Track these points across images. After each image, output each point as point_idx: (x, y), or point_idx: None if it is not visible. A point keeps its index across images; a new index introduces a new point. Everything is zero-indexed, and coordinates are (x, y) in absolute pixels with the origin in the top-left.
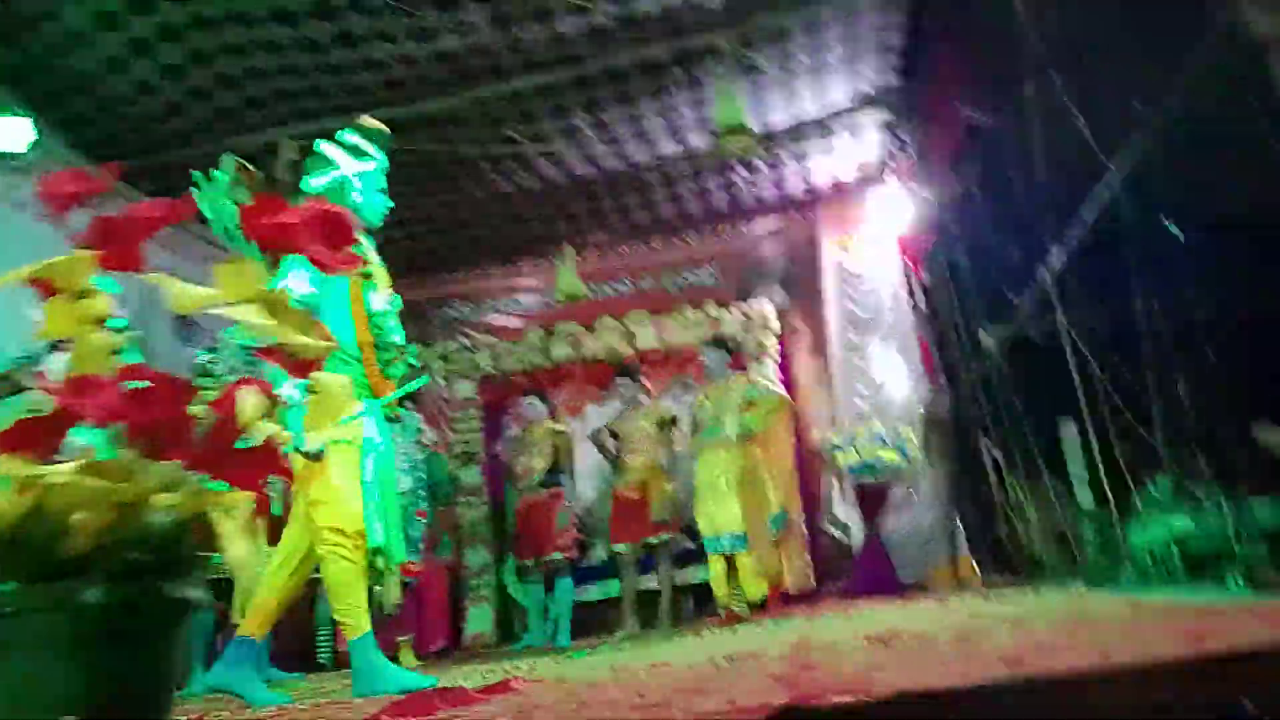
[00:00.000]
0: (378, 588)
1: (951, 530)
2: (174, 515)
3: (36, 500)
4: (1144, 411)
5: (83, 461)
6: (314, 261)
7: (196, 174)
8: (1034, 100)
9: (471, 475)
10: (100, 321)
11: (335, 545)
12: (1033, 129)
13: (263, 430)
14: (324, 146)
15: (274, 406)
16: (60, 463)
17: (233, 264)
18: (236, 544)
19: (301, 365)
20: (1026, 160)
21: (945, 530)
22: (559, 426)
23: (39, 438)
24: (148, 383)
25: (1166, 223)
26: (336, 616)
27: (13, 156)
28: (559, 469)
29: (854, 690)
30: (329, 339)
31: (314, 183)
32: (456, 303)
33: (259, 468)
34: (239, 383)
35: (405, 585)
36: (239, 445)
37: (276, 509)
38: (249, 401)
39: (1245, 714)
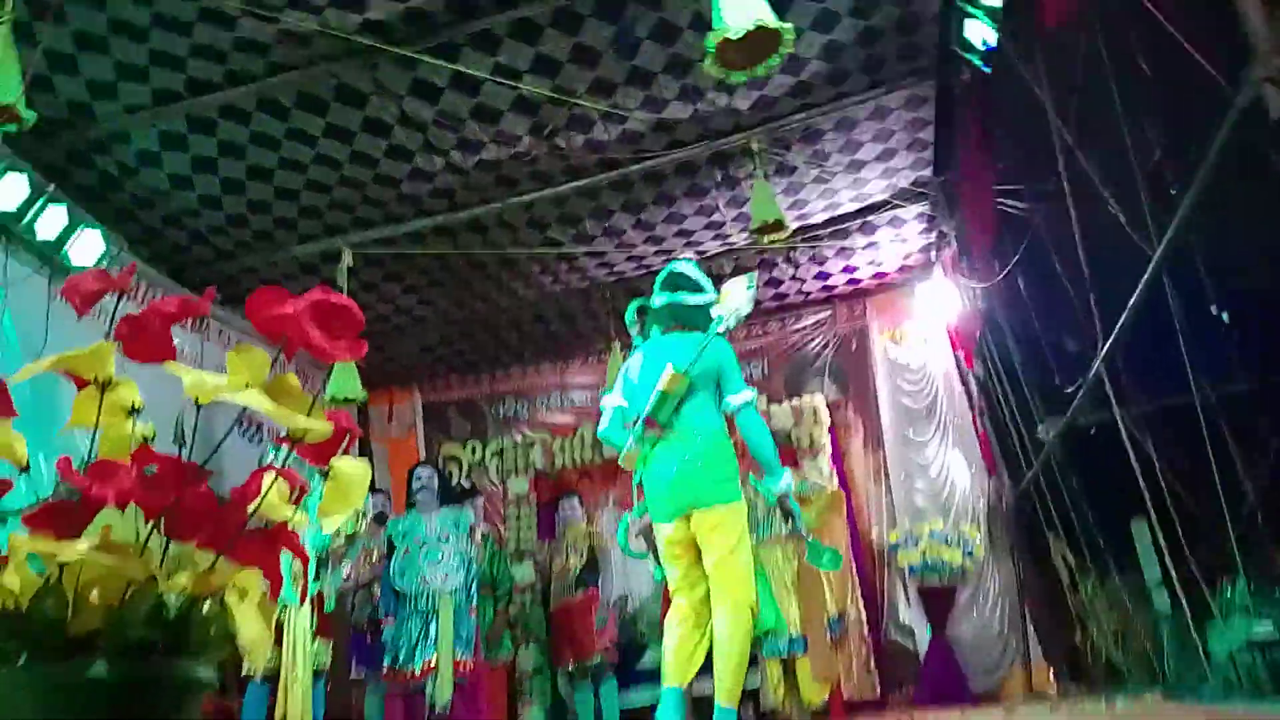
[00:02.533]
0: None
1: (1023, 635)
2: (186, 594)
3: (50, 576)
4: (1213, 507)
5: (97, 539)
6: (313, 351)
7: None
8: (1065, 186)
9: (525, 573)
10: (128, 411)
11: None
12: (1067, 215)
13: (284, 514)
14: None
15: (299, 493)
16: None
17: (242, 351)
18: (249, 625)
19: (320, 452)
20: (1065, 246)
21: (1017, 635)
22: (594, 528)
23: (66, 520)
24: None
25: (1211, 308)
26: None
27: (85, 269)
28: (595, 569)
29: None
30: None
31: None
32: (510, 399)
33: (272, 550)
34: (263, 469)
35: (457, 685)
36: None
37: (330, 605)
38: (273, 487)
39: None
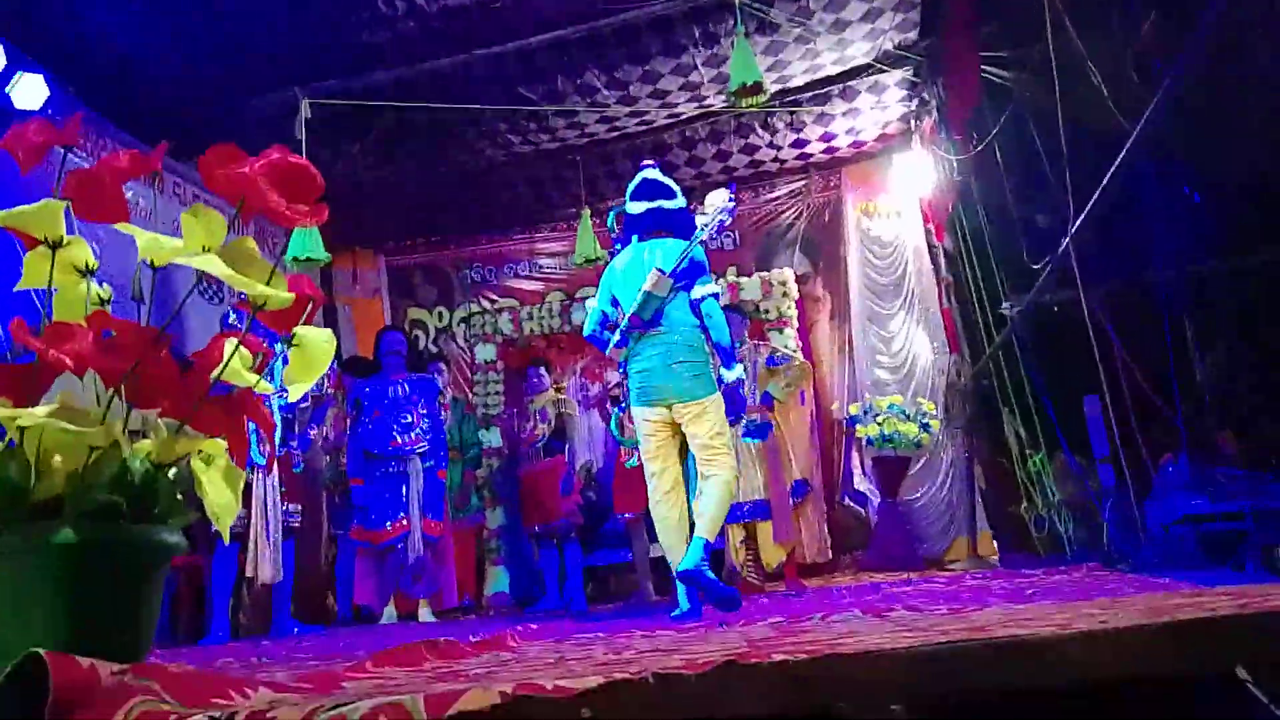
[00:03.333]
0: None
1: (971, 505)
2: (150, 460)
3: (11, 441)
4: (1166, 387)
5: (57, 405)
6: (271, 216)
7: None
8: (1051, 58)
9: (493, 437)
10: (81, 271)
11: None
12: (1051, 87)
13: (247, 381)
14: None
15: (261, 359)
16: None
17: (197, 214)
18: (215, 490)
19: (283, 319)
20: (1046, 121)
21: (965, 505)
22: (562, 395)
23: (21, 385)
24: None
25: (1185, 189)
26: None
27: (29, 114)
28: (562, 435)
29: (798, 650)
30: (300, 293)
31: None
32: (478, 265)
33: (236, 416)
34: (222, 335)
35: (427, 543)
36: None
37: (298, 467)
38: (235, 353)
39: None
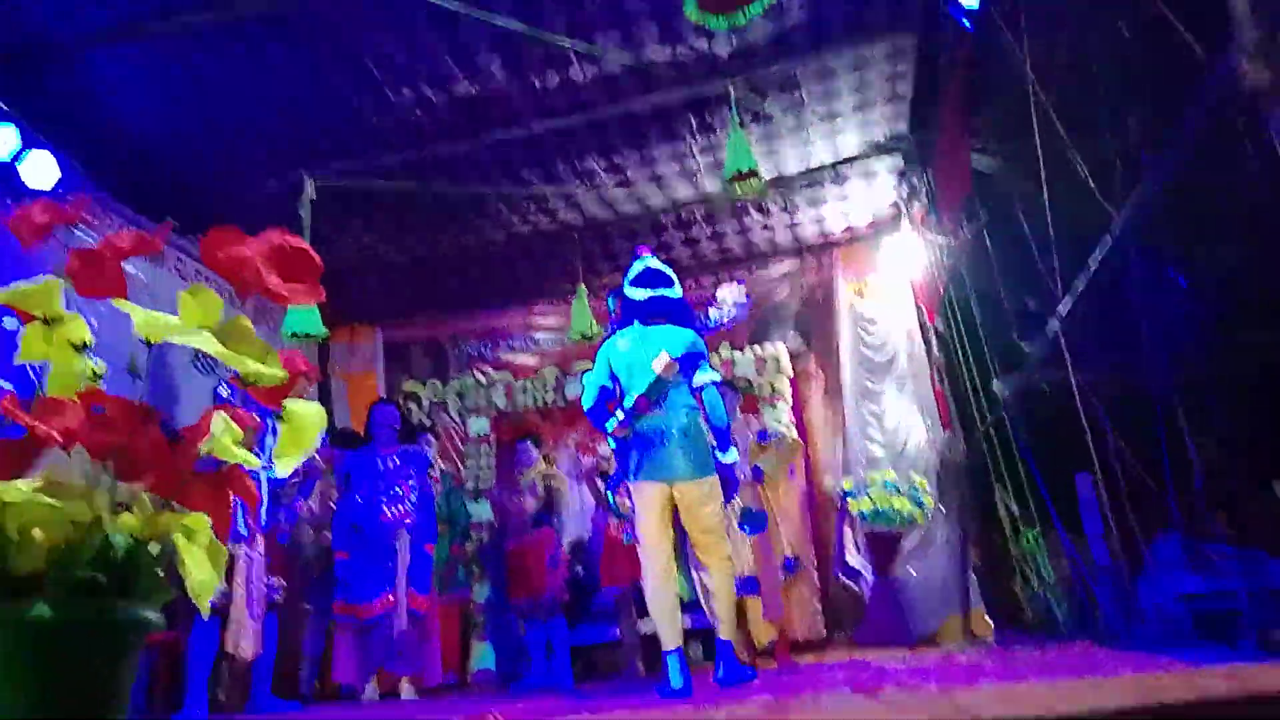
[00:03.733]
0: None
1: (965, 582)
2: (133, 536)
3: None
4: (1157, 467)
5: (41, 480)
6: (270, 296)
7: None
8: (1040, 149)
9: (483, 511)
10: (77, 347)
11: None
12: (1040, 178)
13: (236, 456)
14: None
15: (250, 433)
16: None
17: (195, 293)
18: (197, 567)
19: (273, 394)
20: (1034, 208)
21: (958, 582)
22: (551, 470)
23: (8, 459)
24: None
25: (1171, 273)
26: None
27: (39, 194)
28: (551, 510)
29: None
30: (292, 369)
31: None
32: (473, 340)
33: (221, 491)
34: (213, 409)
35: (413, 617)
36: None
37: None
38: (224, 428)
39: None
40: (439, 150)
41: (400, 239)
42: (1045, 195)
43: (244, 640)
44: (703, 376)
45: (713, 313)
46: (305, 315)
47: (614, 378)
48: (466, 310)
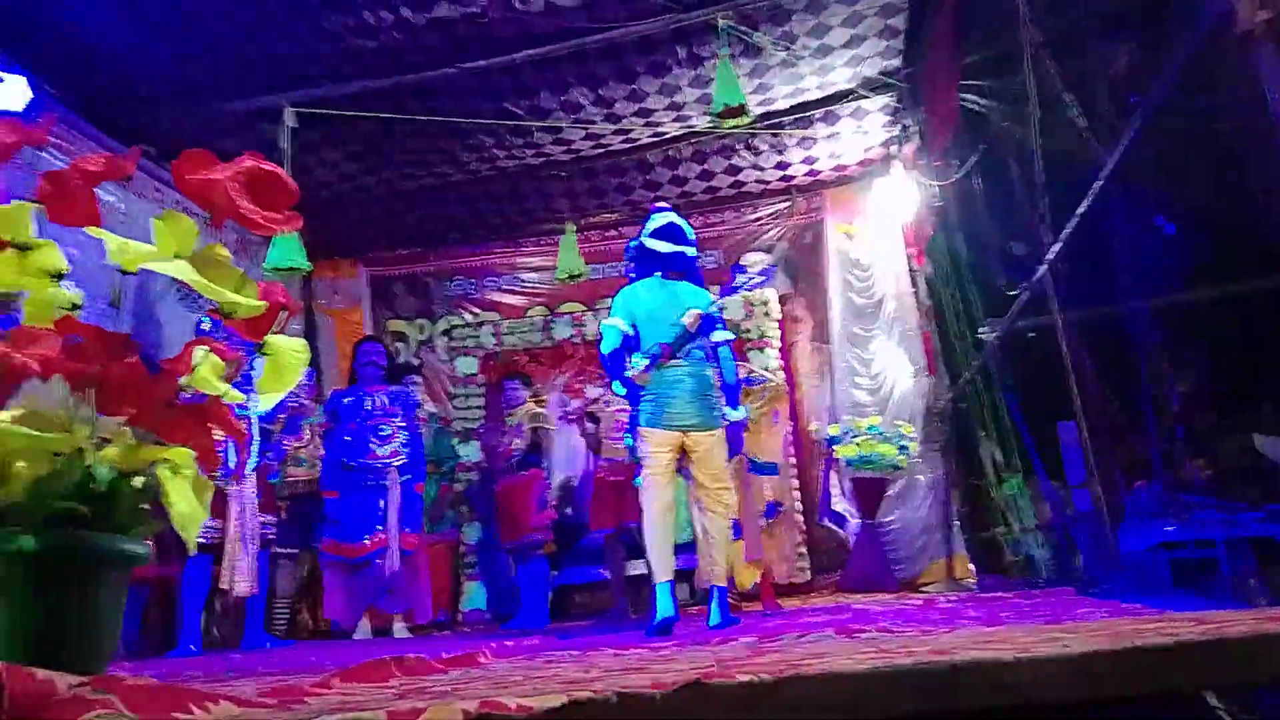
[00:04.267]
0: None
1: (948, 527)
2: (115, 468)
3: None
4: (1137, 415)
5: (21, 411)
6: (244, 222)
7: None
8: (1031, 89)
9: (471, 451)
10: (52, 275)
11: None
12: (1029, 117)
13: (217, 389)
14: None
15: (233, 368)
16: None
17: (169, 219)
18: (181, 501)
19: (254, 327)
20: (1023, 149)
21: (942, 527)
22: (539, 409)
23: None
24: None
25: (1159, 219)
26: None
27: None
28: (539, 451)
29: (765, 670)
30: (271, 300)
31: None
32: (460, 278)
33: (204, 424)
34: (194, 343)
35: (403, 556)
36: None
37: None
38: (205, 360)
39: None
40: (419, 77)
41: (380, 170)
42: (1035, 136)
43: (238, 577)
44: (721, 334)
45: (739, 278)
46: (288, 247)
47: (635, 327)
48: (452, 248)
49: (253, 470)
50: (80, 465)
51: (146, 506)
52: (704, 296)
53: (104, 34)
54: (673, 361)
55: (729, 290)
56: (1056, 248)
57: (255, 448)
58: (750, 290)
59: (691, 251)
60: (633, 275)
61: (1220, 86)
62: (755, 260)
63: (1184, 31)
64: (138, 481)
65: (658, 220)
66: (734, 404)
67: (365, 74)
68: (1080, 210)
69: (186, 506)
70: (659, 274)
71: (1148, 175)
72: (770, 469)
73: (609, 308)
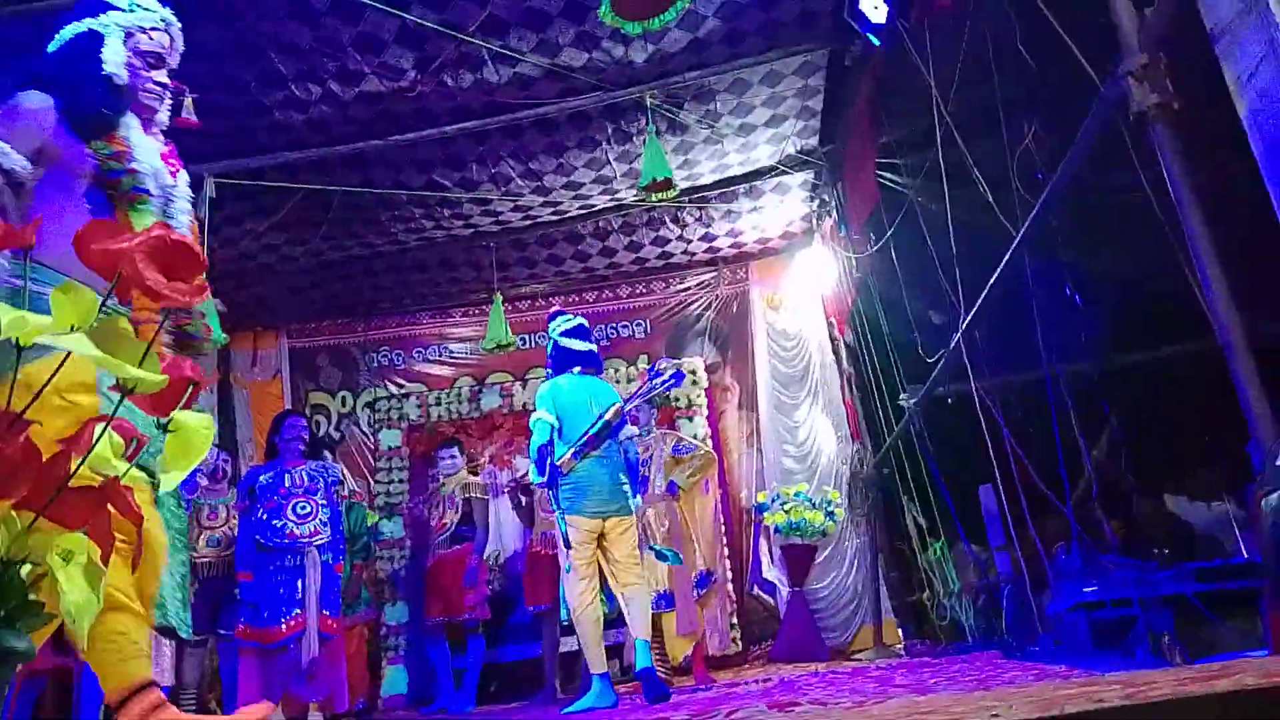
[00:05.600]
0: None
1: (876, 592)
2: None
3: None
4: (1053, 478)
5: None
6: (148, 294)
7: None
8: (941, 165)
9: (394, 527)
10: None
11: None
12: (941, 192)
13: (116, 470)
14: None
15: (134, 445)
16: None
17: (69, 290)
18: (73, 589)
19: (159, 403)
20: (937, 223)
21: (870, 592)
22: (474, 479)
23: None
24: None
25: (1068, 290)
26: None
27: None
28: (470, 523)
29: None
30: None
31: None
32: (386, 349)
33: (101, 508)
34: (92, 420)
35: (322, 640)
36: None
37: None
38: (105, 439)
39: None
40: (349, 148)
41: (307, 241)
42: (949, 210)
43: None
44: (628, 430)
45: (655, 381)
46: (206, 313)
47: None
48: (378, 318)
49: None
50: None
51: (36, 598)
52: (613, 394)
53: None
54: (594, 452)
55: (648, 393)
56: (969, 318)
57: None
58: (663, 392)
59: (595, 350)
60: (550, 372)
61: (1125, 161)
62: (668, 367)
63: (1084, 114)
64: (25, 570)
65: (569, 321)
66: (639, 491)
67: (293, 146)
68: (991, 282)
69: (80, 596)
70: (577, 369)
71: (1059, 247)
72: (673, 558)
73: (536, 392)
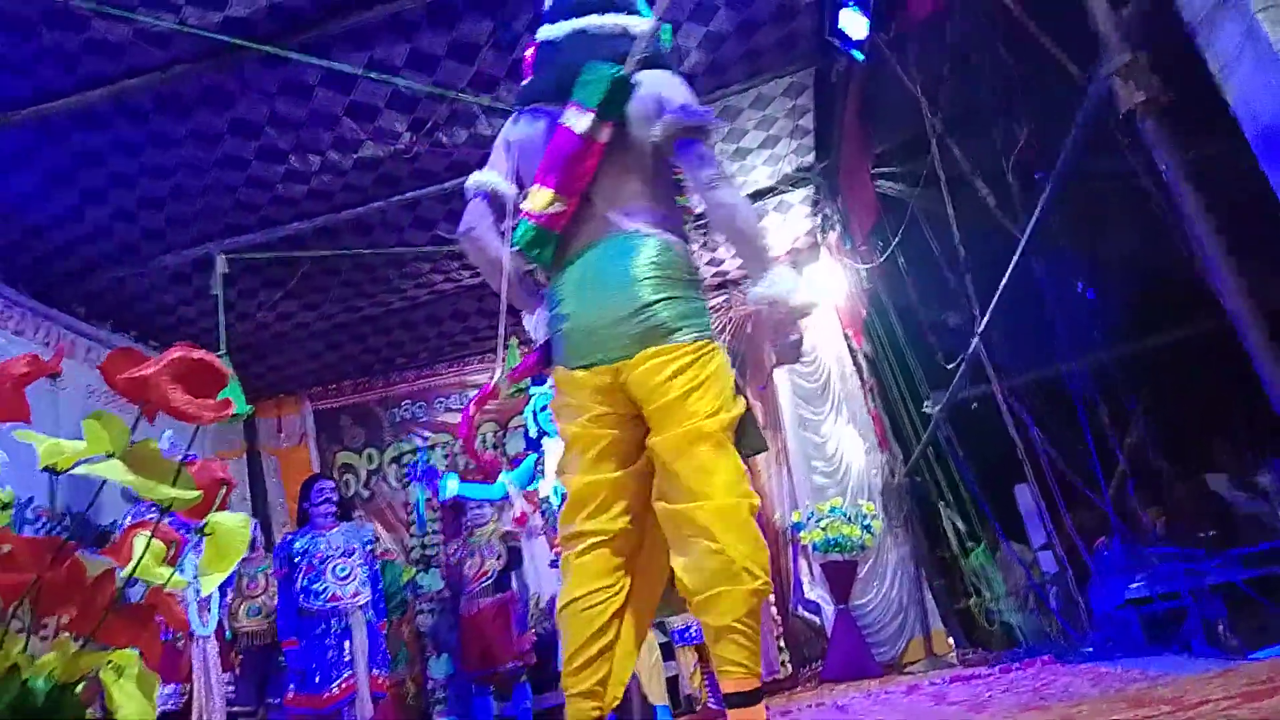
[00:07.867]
0: None
1: (922, 603)
2: (53, 679)
3: None
4: (1090, 472)
5: None
6: (178, 415)
7: None
8: (938, 171)
9: (431, 580)
10: None
11: None
12: (941, 198)
13: (160, 579)
14: None
15: (174, 551)
16: None
17: (101, 418)
18: (128, 702)
19: (195, 509)
20: (940, 228)
21: (916, 603)
22: (509, 526)
23: None
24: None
25: (1080, 286)
26: None
27: None
28: (509, 569)
29: None
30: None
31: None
32: (407, 403)
33: (145, 620)
34: (132, 528)
35: (375, 700)
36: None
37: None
38: (146, 548)
39: None
40: (353, 213)
41: (319, 306)
42: (950, 214)
43: None
44: None
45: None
46: (227, 392)
47: None
48: (396, 373)
49: (213, 629)
50: (15, 681)
51: (91, 715)
52: None
53: (29, 202)
54: None
55: None
56: (984, 320)
57: (214, 603)
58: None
59: None
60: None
61: (1117, 148)
62: None
63: (1072, 110)
64: (79, 690)
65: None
66: None
67: (298, 216)
68: (1002, 283)
69: (135, 707)
70: None
71: (1067, 239)
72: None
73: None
